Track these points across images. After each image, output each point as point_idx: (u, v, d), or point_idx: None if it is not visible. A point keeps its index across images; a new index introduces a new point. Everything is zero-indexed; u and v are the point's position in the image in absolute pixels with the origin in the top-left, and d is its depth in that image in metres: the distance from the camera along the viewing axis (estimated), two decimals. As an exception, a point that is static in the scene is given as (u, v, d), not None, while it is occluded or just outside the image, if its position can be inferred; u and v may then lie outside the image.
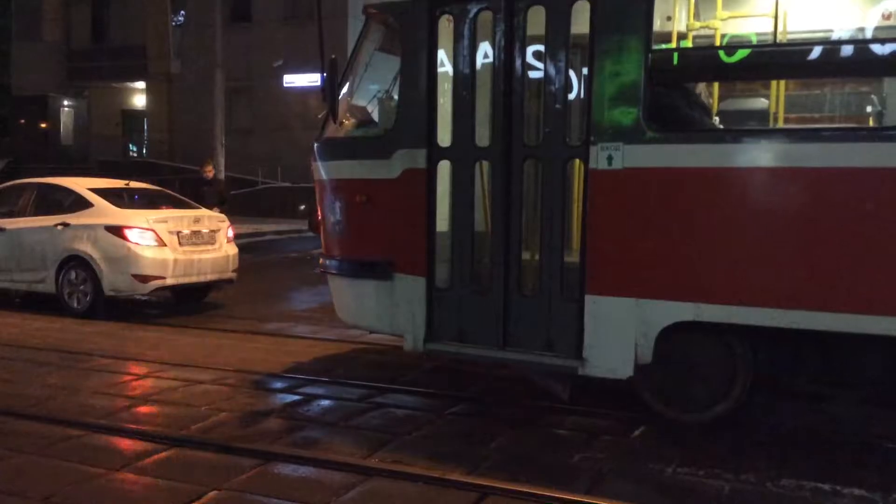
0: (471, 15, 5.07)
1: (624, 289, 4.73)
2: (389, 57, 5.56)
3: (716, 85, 5.83)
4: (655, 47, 4.78)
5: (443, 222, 5.34)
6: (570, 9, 4.83)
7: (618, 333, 4.75)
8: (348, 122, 5.79)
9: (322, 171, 5.85)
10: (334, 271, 5.86)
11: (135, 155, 32.15)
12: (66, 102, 32.71)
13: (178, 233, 8.96)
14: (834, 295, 4.32)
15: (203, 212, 9.73)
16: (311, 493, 3.98)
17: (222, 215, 10.09)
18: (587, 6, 4.75)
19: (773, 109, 5.54)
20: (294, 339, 7.84)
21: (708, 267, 4.60)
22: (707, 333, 4.83)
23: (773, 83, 5.55)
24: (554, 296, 4.99)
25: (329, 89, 5.45)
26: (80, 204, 9.19)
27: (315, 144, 5.91)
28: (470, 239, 5.25)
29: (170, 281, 8.89)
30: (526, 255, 5.19)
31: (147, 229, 8.75)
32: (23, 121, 32.58)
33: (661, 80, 4.76)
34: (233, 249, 9.67)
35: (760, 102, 5.66)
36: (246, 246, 16.67)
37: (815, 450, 4.71)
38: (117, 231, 8.74)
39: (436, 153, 5.23)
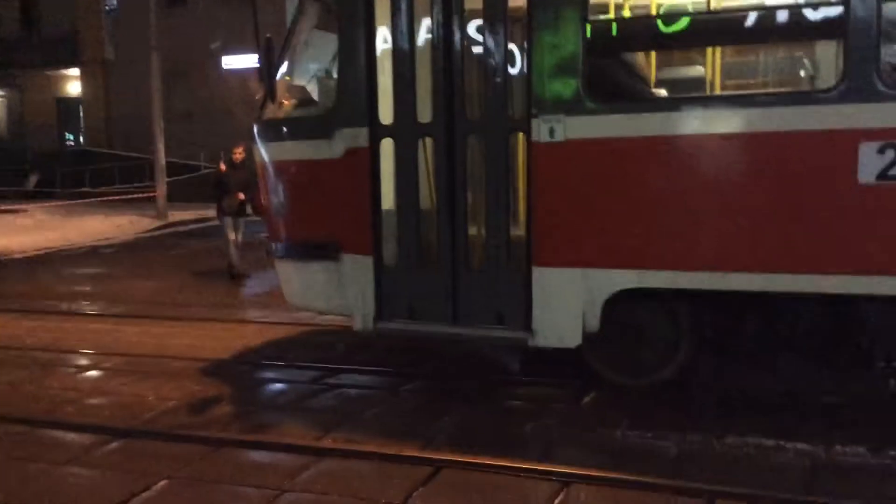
0: None
1: (569, 259, 4.78)
2: (328, 35, 5.47)
3: (653, 54, 5.87)
4: (593, 18, 4.78)
5: (388, 200, 5.32)
6: None
7: (565, 304, 4.80)
8: (288, 103, 5.72)
9: (263, 152, 5.78)
10: (281, 254, 5.80)
11: (72, 144, 31.28)
12: (-2, 92, 31.63)
13: None
14: (768, 257, 4.40)
15: None
16: (264, 477, 3.97)
17: None
18: None
19: (709, 77, 5.63)
20: (244, 323, 7.74)
21: (648, 235, 4.64)
22: (651, 300, 4.91)
23: (709, 51, 5.63)
24: (501, 269, 5.02)
25: (265, 69, 5.39)
26: None
27: (255, 126, 5.81)
28: (416, 216, 5.23)
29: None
30: (473, 230, 5.19)
31: None
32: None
33: (599, 51, 4.77)
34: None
35: (697, 70, 5.71)
36: (191, 232, 16.48)
37: (759, 409, 4.83)
38: None
39: (378, 131, 5.18)
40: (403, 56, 5.13)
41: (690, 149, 4.55)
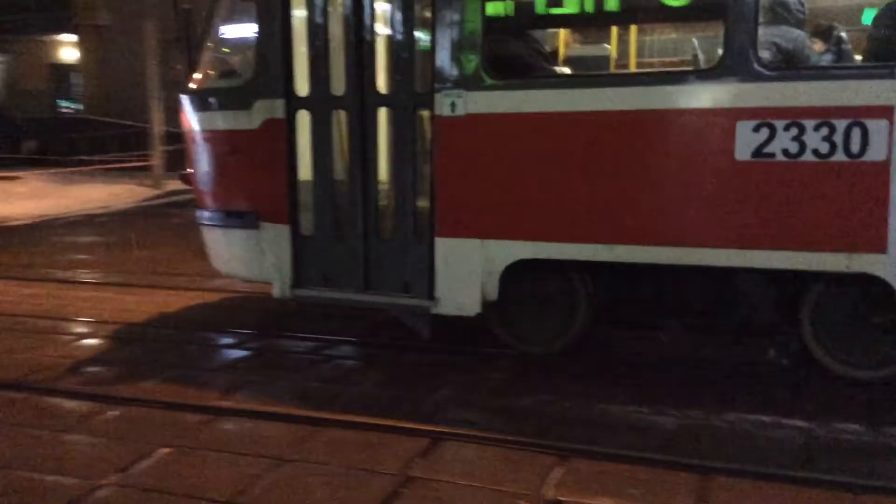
0: None
1: (469, 230, 5.00)
2: (250, 6, 5.55)
3: (562, 32, 5.99)
4: None
5: (304, 171, 5.46)
6: None
7: (465, 273, 5.02)
8: (212, 73, 5.89)
9: (189, 122, 5.92)
10: (206, 222, 5.98)
11: (67, 110, 31.05)
12: (-11, 58, 31.33)
13: None
14: (652, 231, 4.63)
15: None
16: (264, 447, 4.00)
17: None
18: None
19: (613, 55, 5.74)
20: (238, 293, 7.73)
21: (542, 207, 4.85)
22: (549, 270, 5.11)
23: (614, 30, 5.82)
24: (408, 239, 5.22)
25: (184, 41, 5.59)
26: None
27: (180, 96, 5.93)
28: (330, 187, 5.41)
29: None
30: (382, 201, 5.37)
31: None
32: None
33: (499, 29, 4.92)
34: None
35: (602, 49, 5.85)
36: (186, 202, 16.41)
37: (647, 371, 5.10)
38: None
39: (294, 103, 5.34)
40: (318, 29, 5.26)
41: (579, 125, 4.72)
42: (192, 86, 5.87)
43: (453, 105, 4.88)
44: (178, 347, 5.83)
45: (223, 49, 5.91)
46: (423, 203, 5.19)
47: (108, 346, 5.93)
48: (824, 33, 5.63)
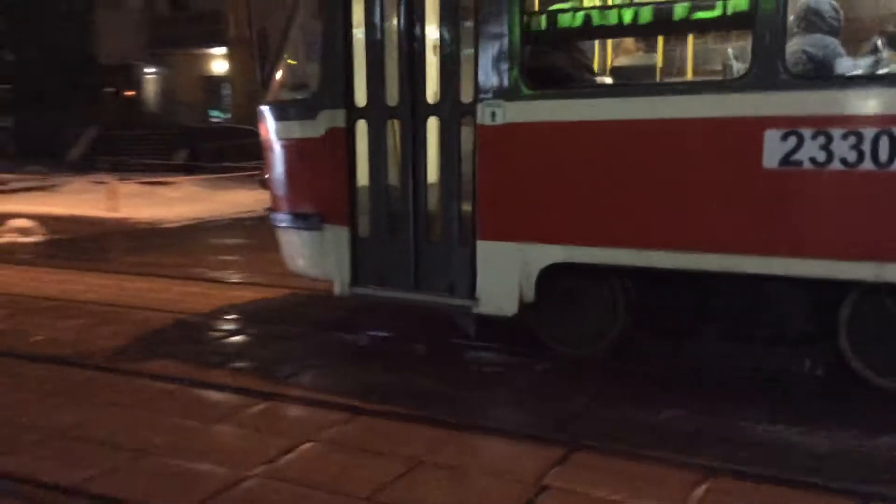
0: None
1: (507, 234, 5.22)
2: (317, 24, 5.96)
3: (609, 42, 6.12)
4: (530, 11, 5.18)
5: (363, 177, 5.82)
6: None
7: (503, 275, 5.25)
8: (286, 86, 6.38)
9: (265, 131, 6.40)
10: (278, 224, 6.42)
11: (217, 120, 32.86)
12: (149, 70, 33.59)
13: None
14: (684, 236, 4.70)
15: None
16: (402, 447, 4.06)
17: None
18: None
19: (659, 64, 5.83)
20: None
21: (574, 212, 5.04)
22: (588, 274, 5.25)
23: (660, 40, 5.93)
24: (453, 242, 5.50)
25: (258, 58, 6.13)
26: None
27: (260, 108, 6.43)
28: (385, 191, 5.76)
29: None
30: (431, 206, 5.65)
31: None
32: (109, 89, 33.61)
33: (535, 42, 5.19)
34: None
35: (650, 58, 5.91)
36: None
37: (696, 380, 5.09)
38: None
39: (353, 113, 5.72)
40: (374, 46, 5.63)
41: (610, 134, 4.87)
42: (269, 98, 6.37)
43: (493, 115, 5.12)
44: (317, 346, 6.05)
45: (295, 63, 6.36)
46: (467, 207, 5.45)
47: (252, 343, 6.21)
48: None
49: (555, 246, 5.09)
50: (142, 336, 6.32)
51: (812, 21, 4.86)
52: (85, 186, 19.90)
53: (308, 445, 4.11)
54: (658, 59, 5.89)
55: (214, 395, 4.99)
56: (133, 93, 33.58)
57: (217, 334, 6.49)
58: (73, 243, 11.85)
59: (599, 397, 4.82)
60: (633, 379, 5.15)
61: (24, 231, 12.21)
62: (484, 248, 5.29)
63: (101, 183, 18.17)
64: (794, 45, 4.68)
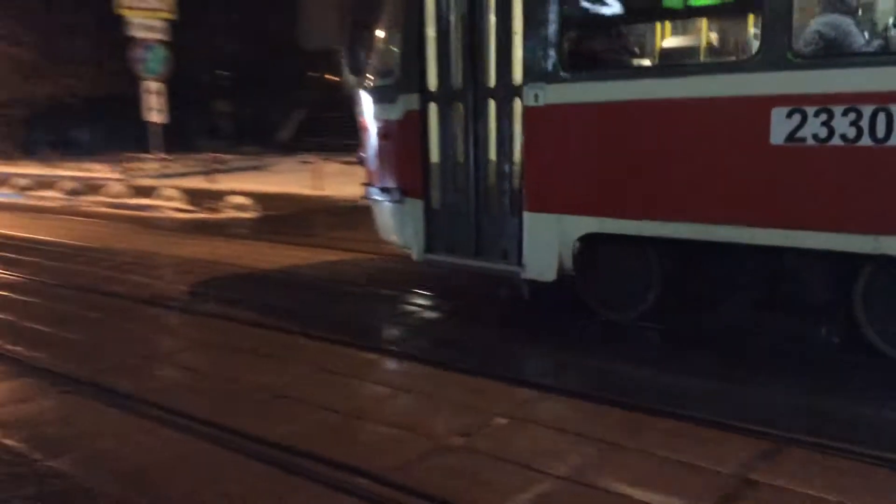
0: None
1: (548, 206, 5.68)
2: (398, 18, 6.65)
3: (658, 25, 6.31)
4: (568, 1, 5.49)
5: (434, 154, 6.42)
6: None
7: (545, 244, 5.73)
8: (377, 73, 6.99)
9: (361, 114, 7.17)
10: (371, 197, 7.15)
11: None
12: (351, 55, 35.07)
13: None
14: (701, 209, 4.99)
15: None
16: (599, 430, 4.04)
17: None
18: None
19: (702, 45, 6.02)
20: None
21: (607, 186, 5.42)
22: (624, 244, 5.57)
23: (702, 22, 6.12)
24: (506, 213, 6.03)
25: (347, 48, 7.03)
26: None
27: (356, 94, 7.20)
28: (452, 167, 6.34)
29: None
30: (489, 180, 6.15)
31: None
32: (313, 73, 35.50)
33: (573, 28, 5.61)
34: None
35: (694, 39, 6.08)
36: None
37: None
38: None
39: (425, 96, 6.36)
40: (443, 36, 6.24)
41: (632, 113, 5.22)
42: (363, 85, 7.09)
43: (536, 96, 5.58)
44: (500, 325, 6.16)
45: (382, 53, 7.00)
46: (517, 181, 5.93)
47: (437, 318, 6.54)
48: None
49: (588, 217, 5.53)
50: (358, 311, 6.76)
51: (830, 1, 4.86)
52: (292, 166, 21.41)
53: (503, 421, 4.19)
54: (681, 41, 6.17)
55: (415, 368, 5.21)
56: (335, 76, 35.32)
57: (408, 307, 6.81)
58: (283, 219, 12.81)
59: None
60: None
61: (241, 207, 13.31)
62: (529, 219, 5.79)
63: (307, 163, 19.42)
64: (812, 25, 4.78)
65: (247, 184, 17.17)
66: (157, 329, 6.40)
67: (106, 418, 4.39)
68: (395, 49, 6.64)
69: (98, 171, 21.53)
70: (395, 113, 6.54)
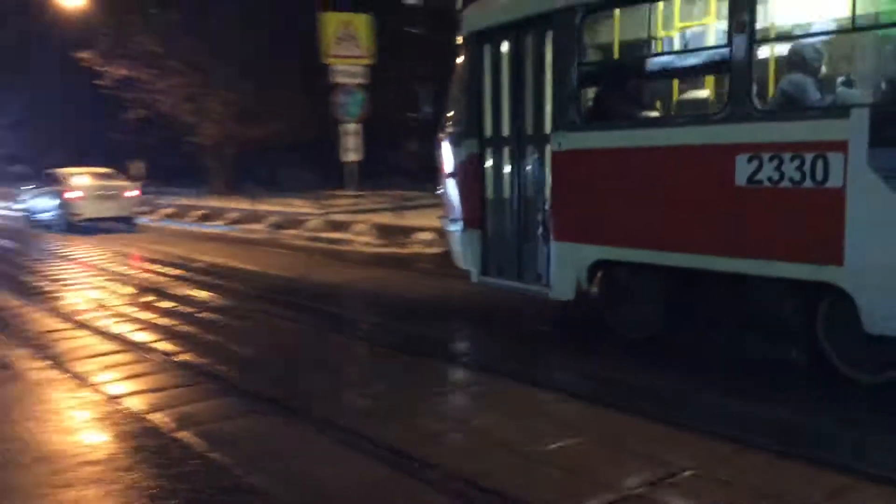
0: (494, 47, 7.29)
1: (568, 236, 6.56)
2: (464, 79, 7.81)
3: (675, 82, 6.92)
4: (584, 63, 6.47)
5: (489, 191, 7.43)
6: (545, 42, 6.67)
7: (566, 268, 6.59)
8: (451, 122, 7.95)
9: (438, 156, 8.20)
10: (446, 227, 8.23)
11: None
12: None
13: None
14: (684, 240, 5.72)
15: None
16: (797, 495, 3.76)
17: None
18: (546, 42, 6.67)
19: (710, 98, 6.54)
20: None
21: (610, 219, 6.29)
22: (636, 272, 6.32)
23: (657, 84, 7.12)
24: (540, 242, 6.90)
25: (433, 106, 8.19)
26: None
27: (436, 139, 8.27)
28: (501, 202, 7.30)
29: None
30: (529, 213, 7.05)
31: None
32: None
33: (588, 86, 6.66)
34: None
35: (704, 93, 6.61)
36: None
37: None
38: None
39: (482, 142, 7.42)
40: (496, 92, 7.30)
41: (629, 157, 6.08)
42: (442, 132, 8.11)
43: (559, 143, 6.51)
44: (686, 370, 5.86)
45: (454, 105, 7.95)
46: (548, 215, 6.78)
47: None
48: None
49: (598, 247, 6.38)
50: (542, 349, 6.76)
51: (795, 62, 5.48)
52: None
53: (688, 474, 3.99)
54: (668, 97, 7.04)
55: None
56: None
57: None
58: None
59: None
60: None
61: (427, 243, 13.70)
62: (554, 247, 6.66)
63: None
64: (780, 83, 5.51)
65: (433, 220, 17.67)
66: (347, 357, 6.70)
67: (300, 439, 4.63)
68: (462, 103, 7.72)
69: (298, 206, 23.03)
70: (460, 156, 7.65)
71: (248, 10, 26.40)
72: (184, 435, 4.67)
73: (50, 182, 20.09)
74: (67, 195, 19.04)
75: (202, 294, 9.62)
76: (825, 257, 4.91)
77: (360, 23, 19.41)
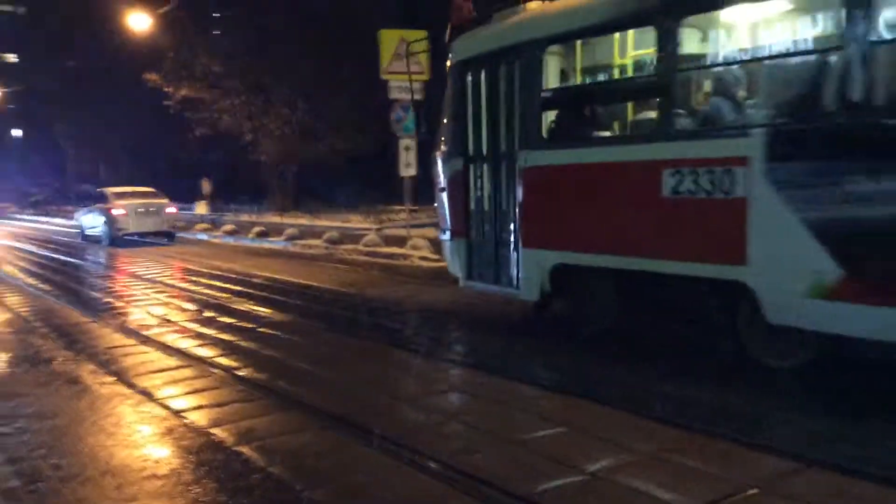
0: (475, 74, 8.05)
1: (532, 243, 7.39)
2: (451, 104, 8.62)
3: (599, 109, 7.77)
4: (548, 87, 7.54)
5: (472, 203, 8.21)
6: (515, 70, 7.48)
7: (531, 272, 7.42)
8: (442, 141, 8.78)
9: (434, 173, 9.00)
10: (440, 237, 9.16)
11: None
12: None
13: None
14: (623, 245, 6.51)
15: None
16: None
17: None
18: (515, 70, 7.45)
19: (643, 120, 7.17)
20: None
21: (565, 228, 7.10)
22: (589, 272, 7.01)
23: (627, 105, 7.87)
24: (512, 249, 7.68)
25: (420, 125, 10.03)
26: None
27: (433, 158, 9.09)
28: (481, 213, 8.12)
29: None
30: (504, 224, 7.79)
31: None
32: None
33: (546, 111, 7.49)
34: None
35: (643, 115, 7.23)
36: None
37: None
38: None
39: (466, 160, 8.21)
40: (476, 116, 8.07)
41: (581, 173, 6.90)
42: (436, 151, 8.93)
43: (525, 160, 7.34)
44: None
45: (443, 126, 8.70)
46: (518, 225, 7.54)
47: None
48: None
49: (556, 252, 7.18)
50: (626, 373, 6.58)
51: (718, 88, 6.39)
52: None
53: (751, 493, 3.89)
54: (610, 119, 8.02)
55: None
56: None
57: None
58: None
59: None
60: None
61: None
62: (522, 253, 7.50)
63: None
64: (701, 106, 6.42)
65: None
66: (404, 371, 6.72)
67: (359, 455, 4.65)
68: (450, 124, 8.46)
69: (356, 221, 23.26)
70: (449, 172, 8.47)
71: (307, 28, 26.87)
72: (245, 449, 4.73)
73: (98, 200, 22.45)
74: (113, 212, 21.28)
75: (262, 310, 9.77)
76: (734, 259, 5.67)
77: (418, 40, 19.63)
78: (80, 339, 8.19)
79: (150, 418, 5.42)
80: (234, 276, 13.45)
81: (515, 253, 7.57)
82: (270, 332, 8.35)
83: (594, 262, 6.79)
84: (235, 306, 10.09)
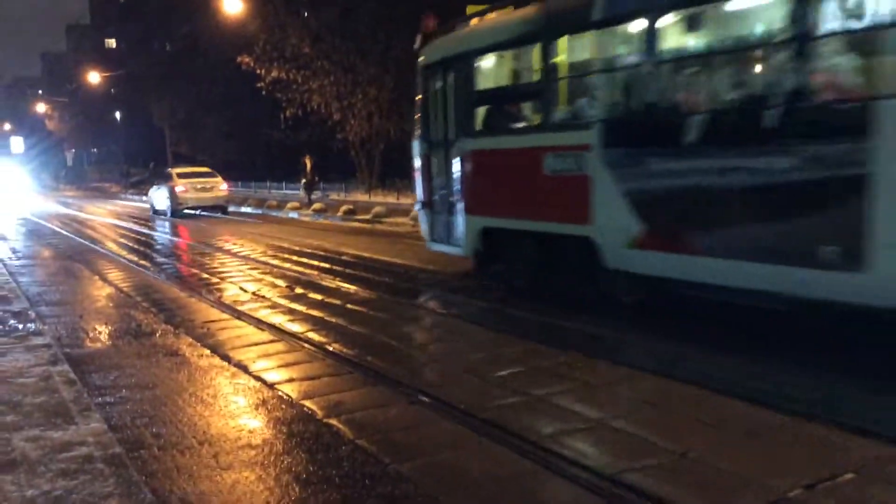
0: (433, 76, 9.99)
1: (470, 211, 9.30)
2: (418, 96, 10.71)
3: (528, 103, 9.10)
4: (477, 88, 9.23)
5: (433, 179, 10.19)
6: (458, 74, 9.44)
7: (468, 234, 9.37)
8: (417, 128, 10.63)
9: (413, 155, 10.83)
10: (416, 209, 11.14)
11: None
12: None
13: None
14: (527, 212, 8.46)
15: None
16: None
17: None
18: (458, 74, 9.45)
19: (531, 115, 9.12)
20: None
21: (491, 198, 9.01)
22: (507, 233, 8.86)
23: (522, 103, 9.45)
24: (460, 216, 9.52)
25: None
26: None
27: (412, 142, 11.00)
28: (440, 187, 10.02)
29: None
30: (455, 196, 9.64)
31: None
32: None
33: (480, 104, 9.23)
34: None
35: (525, 111, 9.13)
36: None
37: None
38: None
39: (429, 145, 10.20)
40: (435, 108, 10.02)
41: (497, 156, 8.91)
42: (414, 136, 10.81)
43: (462, 146, 9.30)
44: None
45: (417, 116, 10.62)
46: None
47: None
48: None
49: (484, 217, 9.09)
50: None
51: (577, 91, 8.25)
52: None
53: (849, 477, 3.74)
54: (518, 113, 9.30)
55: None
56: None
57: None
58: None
59: None
60: None
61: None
62: (466, 219, 9.35)
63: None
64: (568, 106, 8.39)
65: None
66: (492, 349, 6.70)
67: (445, 430, 4.69)
68: (420, 115, 10.41)
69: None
70: (420, 154, 10.38)
71: (394, 7, 26.95)
72: (335, 422, 4.84)
73: (165, 179, 26.37)
74: (176, 189, 25.01)
75: (349, 286, 9.94)
76: (584, 220, 7.61)
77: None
78: (178, 313, 8.52)
79: (244, 390, 5.61)
80: (322, 253, 13.73)
81: (461, 219, 9.46)
82: (357, 308, 8.49)
83: (505, 226, 8.80)
84: (324, 283, 10.31)
